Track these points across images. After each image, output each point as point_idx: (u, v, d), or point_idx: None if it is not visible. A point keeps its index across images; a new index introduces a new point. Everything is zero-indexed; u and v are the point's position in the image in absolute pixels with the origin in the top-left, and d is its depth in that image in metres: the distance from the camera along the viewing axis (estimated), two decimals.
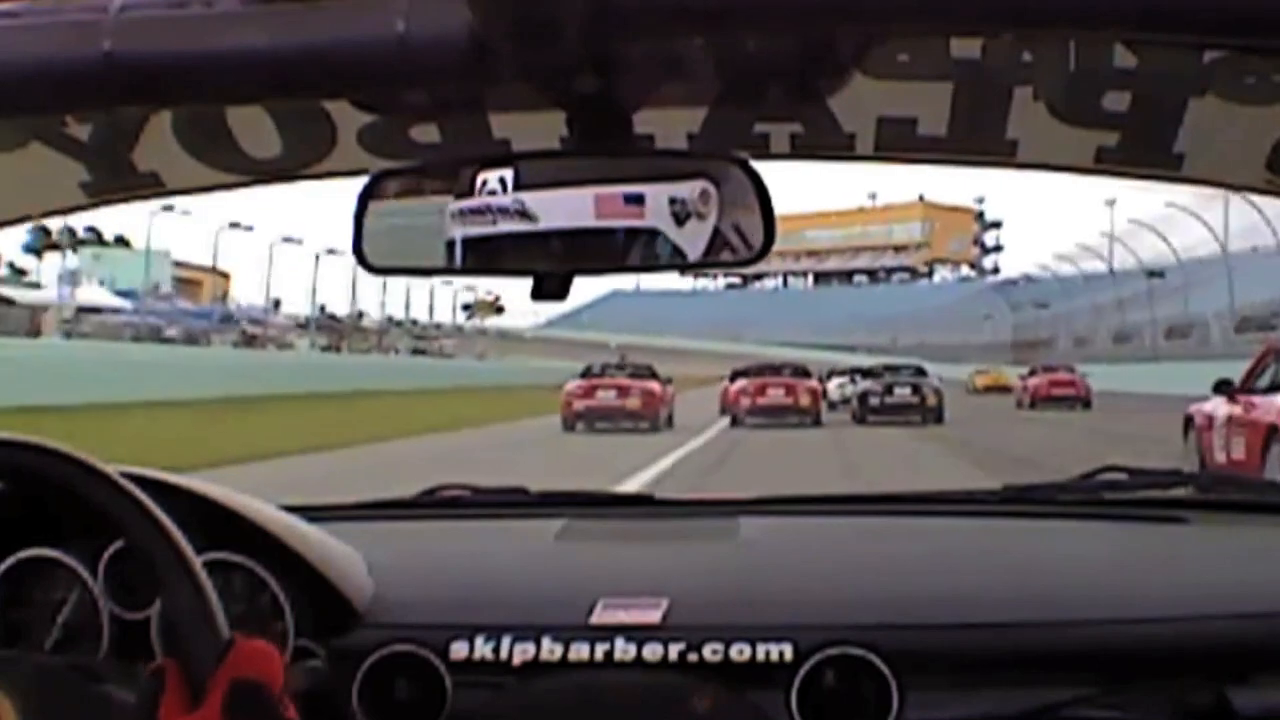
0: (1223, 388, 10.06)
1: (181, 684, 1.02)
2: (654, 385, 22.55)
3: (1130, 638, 1.29)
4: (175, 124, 1.27)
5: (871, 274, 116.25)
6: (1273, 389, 9.40)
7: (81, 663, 1.17)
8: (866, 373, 27.48)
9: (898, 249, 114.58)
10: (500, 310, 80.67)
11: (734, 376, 25.20)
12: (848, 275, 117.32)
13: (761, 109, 1.26)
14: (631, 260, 0.97)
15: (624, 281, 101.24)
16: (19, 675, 1.06)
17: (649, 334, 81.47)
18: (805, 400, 23.70)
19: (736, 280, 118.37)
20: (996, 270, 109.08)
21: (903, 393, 24.52)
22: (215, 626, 1.06)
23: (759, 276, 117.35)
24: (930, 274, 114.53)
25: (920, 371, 25.93)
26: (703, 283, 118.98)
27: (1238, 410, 9.72)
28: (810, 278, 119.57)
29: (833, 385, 29.87)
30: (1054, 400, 29.24)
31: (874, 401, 24.43)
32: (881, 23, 0.89)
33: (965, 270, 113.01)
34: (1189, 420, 10.91)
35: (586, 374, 23.45)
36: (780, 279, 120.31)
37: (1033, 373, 32.59)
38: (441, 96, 1.20)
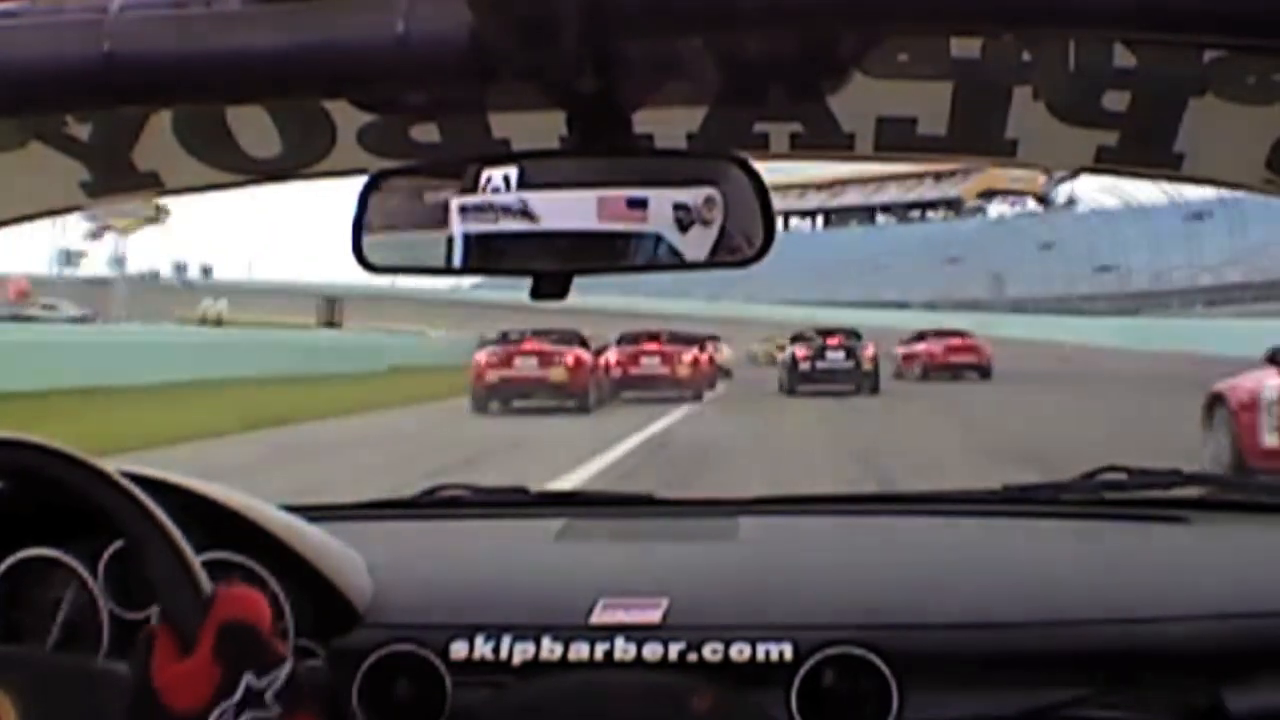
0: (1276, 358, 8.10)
1: (171, 639, 1.02)
2: (582, 354, 19.25)
3: (1130, 638, 1.29)
4: (175, 124, 1.27)
5: (909, 209, 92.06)
6: None
7: (81, 662, 1.17)
8: (795, 337, 24.82)
9: (939, 177, 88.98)
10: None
11: (620, 342, 22.14)
12: (868, 213, 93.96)
13: (761, 109, 1.26)
14: (633, 262, 0.97)
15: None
16: (19, 674, 1.06)
17: (590, 293, 72.72)
18: (683, 371, 21.19)
19: None
20: (1072, 203, 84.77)
21: (835, 357, 22.63)
22: (197, 582, 1.08)
23: None
24: (982, 210, 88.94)
25: (855, 335, 23.88)
26: None
27: None
28: (819, 218, 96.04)
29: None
30: (951, 368, 25.86)
31: (805, 368, 22.54)
32: (881, 23, 0.89)
33: (1031, 204, 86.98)
34: (1216, 400, 8.77)
35: (504, 339, 20.04)
36: (779, 220, 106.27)
37: (920, 337, 28.15)
38: (441, 96, 1.21)
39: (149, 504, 1.12)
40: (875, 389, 22.01)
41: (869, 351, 22.86)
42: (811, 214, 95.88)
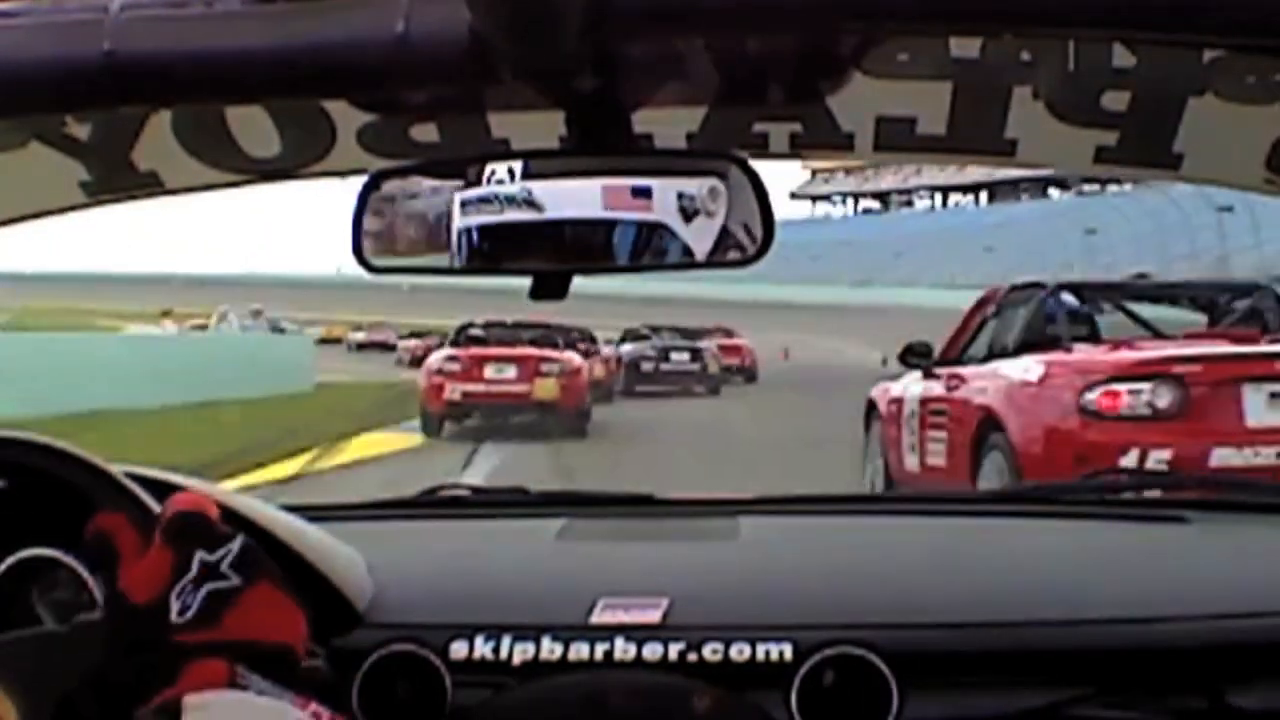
0: (912, 356, 6.91)
1: (133, 537, 1.06)
2: (574, 359, 13.67)
3: (1130, 638, 1.29)
4: (175, 124, 1.27)
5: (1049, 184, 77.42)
6: (990, 358, 6.51)
7: (82, 661, 1.17)
8: (635, 335, 22.67)
9: None
10: None
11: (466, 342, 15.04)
12: (1041, 186, 79.29)
13: (761, 109, 1.26)
14: (636, 258, 0.97)
15: None
16: (19, 673, 1.06)
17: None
18: (544, 392, 13.43)
19: (874, 205, 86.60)
20: None
21: (680, 358, 20.93)
22: (145, 503, 1.11)
23: (908, 199, 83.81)
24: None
25: (695, 335, 22.76)
26: (822, 208, 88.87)
27: (937, 389, 6.67)
28: (984, 193, 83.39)
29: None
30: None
31: (647, 368, 20.32)
32: (881, 23, 0.89)
33: None
34: (871, 406, 7.71)
35: (461, 339, 14.60)
36: (937, 198, 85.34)
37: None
38: (441, 96, 1.21)
39: (150, 504, 1.12)
40: (716, 391, 20.73)
41: (713, 352, 21.83)
42: (975, 188, 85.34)
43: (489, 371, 13.25)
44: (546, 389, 13.02)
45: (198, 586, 1.02)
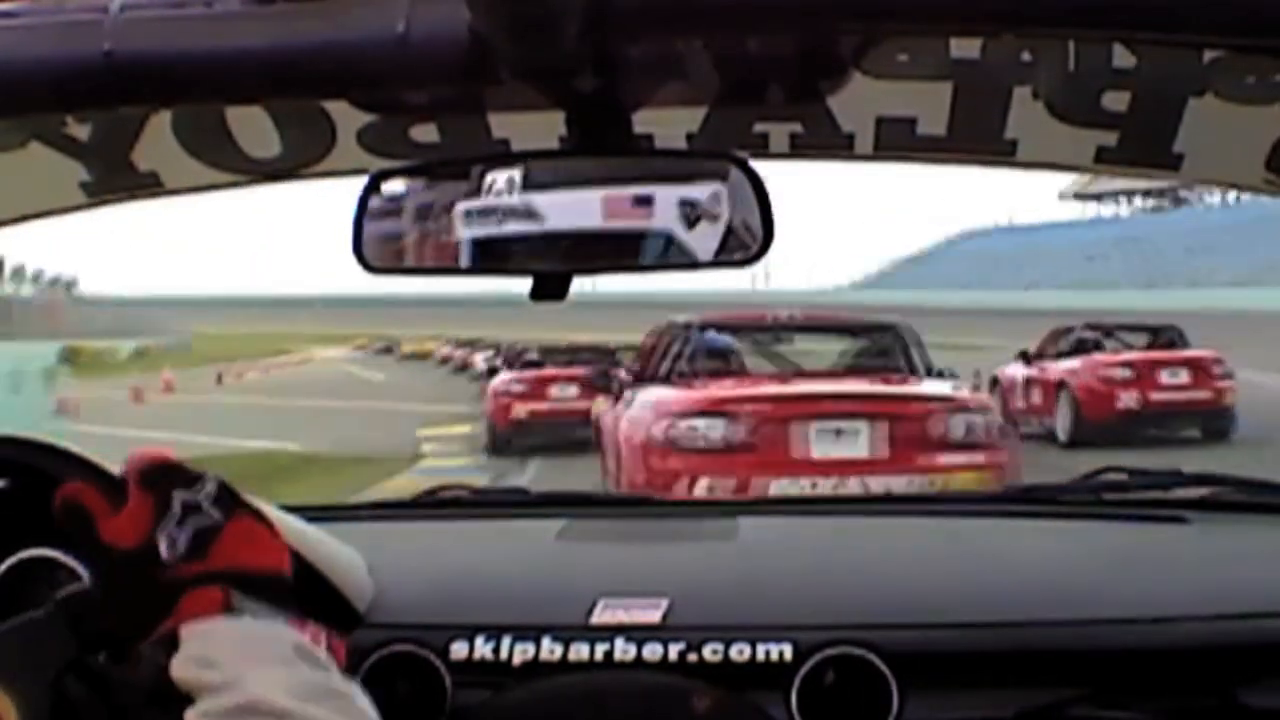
0: (1023, 356, 13.47)
1: (100, 499, 1.07)
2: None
3: (1130, 638, 1.29)
4: (175, 124, 1.27)
5: None
6: (1059, 356, 12.80)
7: (81, 660, 1.17)
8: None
9: None
10: None
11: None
12: None
13: (761, 109, 1.26)
14: (639, 261, 0.97)
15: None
16: (19, 673, 1.06)
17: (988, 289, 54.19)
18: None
19: (1163, 203, 73.43)
20: None
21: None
22: (108, 469, 1.11)
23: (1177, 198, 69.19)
24: None
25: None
26: (1107, 209, 77.64)
27: (1034, 372, 13.05)
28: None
29: None
30: None
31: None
32: (881, 23, 0.89)
33: None
34: (995, 380, 13.70)
35: (518, 362, 15.16)
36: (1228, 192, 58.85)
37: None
38: (441, 96, 1.21)
39: (110, 470, 1.12)
40: None
41: None
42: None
43: (554, 391, 13.72)
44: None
45: (182, 524, 1.04)
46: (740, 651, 1.27)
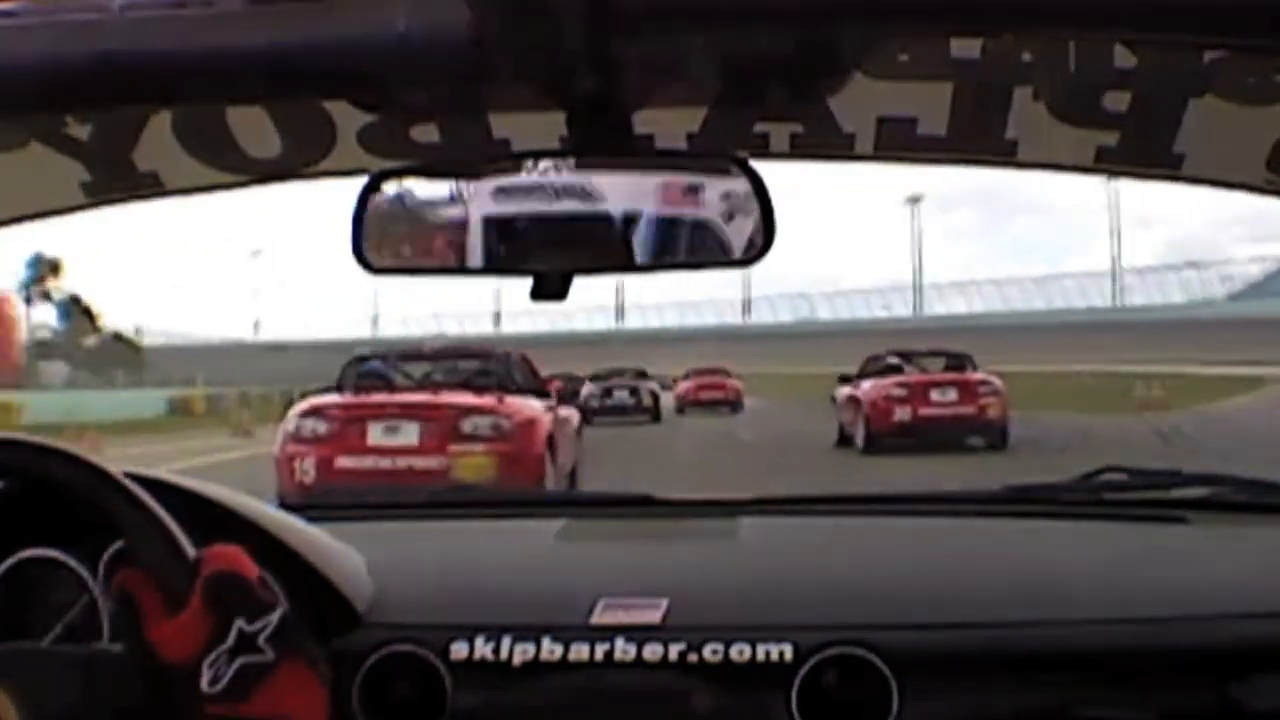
0: (844, 379, 16.24)
1: (158, 598, 1.03)
2: (523, 410, 8.91)
3: (1130, 638, 1.29)
4: (175, 124, 1.27)
5: None
6: (866, 378, 15.52)
7: (82, 659, 1.17)
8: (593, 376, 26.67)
9: None
10: None
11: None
12: None
13: (761, 109, 1.26)
14: (672, 256, 0.97)
15: None
16: (19, 672, 1.06)
17: None
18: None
19: None
20: None
21: (621, 395, 24.93)
22: (183, 548, 1.08)
23: None
24: None
25: (642, 375, 26.65)
26: None
27: (850, 390, 15.62)
28: None
29: None
30: (702, 405, 27.74)
31: (594, 404, 23.28)
32: (881, 23, 0.89)
33: None
34: (833, 398, 16.62)
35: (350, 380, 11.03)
36: None
37: (686, 376, 30.48)
38: (441, 96, 1.21)
39: (150, 504, 1.12)
40: (657, 419, 24.31)
41: (649, 388, 25.53)
42: None
43: (373, 436, 8.59)
44: (471, 467, 8.22)
45: (232, 658, 1.01)
46: (740, 652, 1.27)
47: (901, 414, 14.41)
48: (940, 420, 14.28)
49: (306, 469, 8.46)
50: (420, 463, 8.32)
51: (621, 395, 25.09)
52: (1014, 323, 46.92)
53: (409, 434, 8.53)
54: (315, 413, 8.82)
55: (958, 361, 16.12)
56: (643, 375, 26.76)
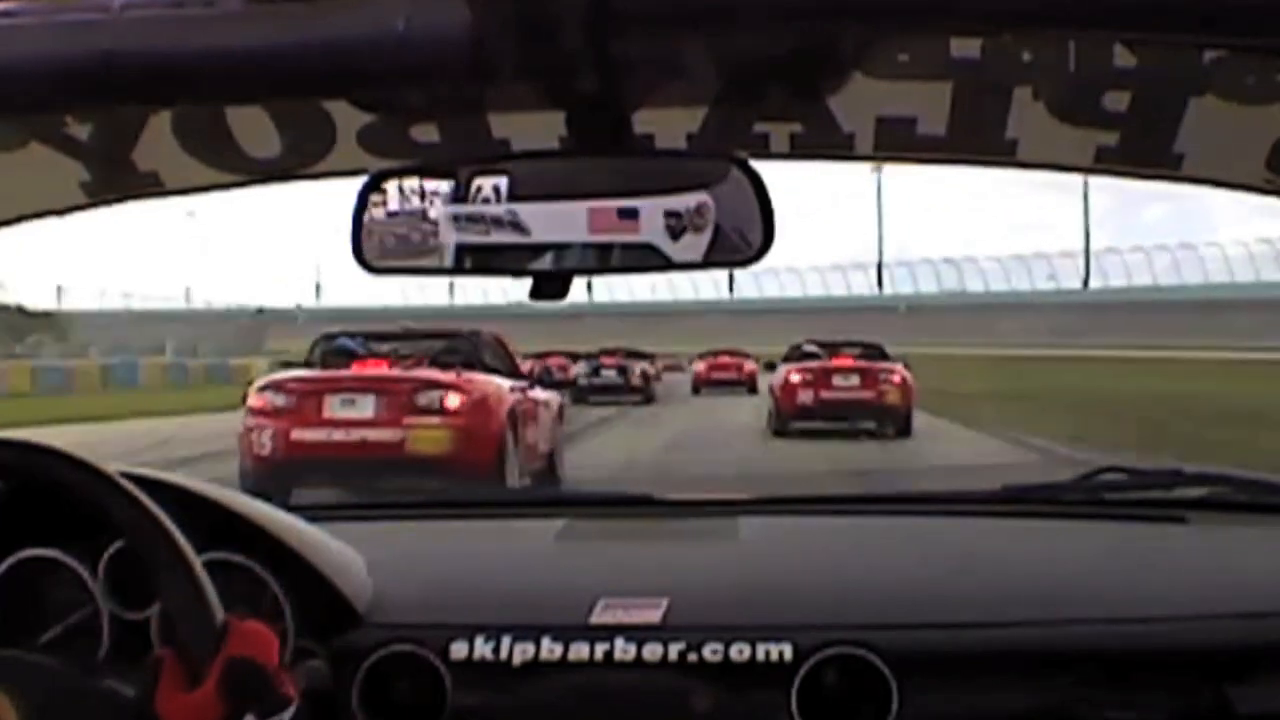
0: (769, 365, 18.10)
1: (179, 669, 1.03)
2: (486, 386, 9.05)
3: (1130, 638, 1.29)
4: (175, 124, 1.27)
5: None
6: (785, 363, 16.68)
7: (82, 660, 1.17)
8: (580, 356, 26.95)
9: None
10: None
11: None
12: None
13: (761, 109, 1.26)
14: (627, 265, 0.98)
15: None
16: (19, 673, 1.06)
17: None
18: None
19: None
20: None
21: (608, 375, 24.95)
22: (210, 613, 1.08)
23: None
24: None
25: (635, 355, 26.52)
26: None
27: (771, 376, 16.92)
28: None
29: None
30: (716, 384, 28.38)
31: (583, 383, 24.08)
32: (881, 23, 0.89)
33: None
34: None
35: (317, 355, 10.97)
36: None
37: (702, 357, 31.07)
38: (441, 96, 1.21)
39: (150, 505, 1.12)
40: (650, 400, 24.31)
41: (640, 369, 25.55)
42: None
43: (330, 408, 8.75)
44: (427, 440, 8.48)
45: None
46: (740, 651, 1.27)
47: (804, 397, 15.43)
48: (839, 404, 15.33)
49: (264, 441, 8.64)
50: (375, 435, 8.52)
51: (609, 374, 25.02)
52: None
53: (364, 407, 8.71)
54: (274, 387, 9.09)
55: (871, 352, 16.79)
56: (636, 355, 26.49)
